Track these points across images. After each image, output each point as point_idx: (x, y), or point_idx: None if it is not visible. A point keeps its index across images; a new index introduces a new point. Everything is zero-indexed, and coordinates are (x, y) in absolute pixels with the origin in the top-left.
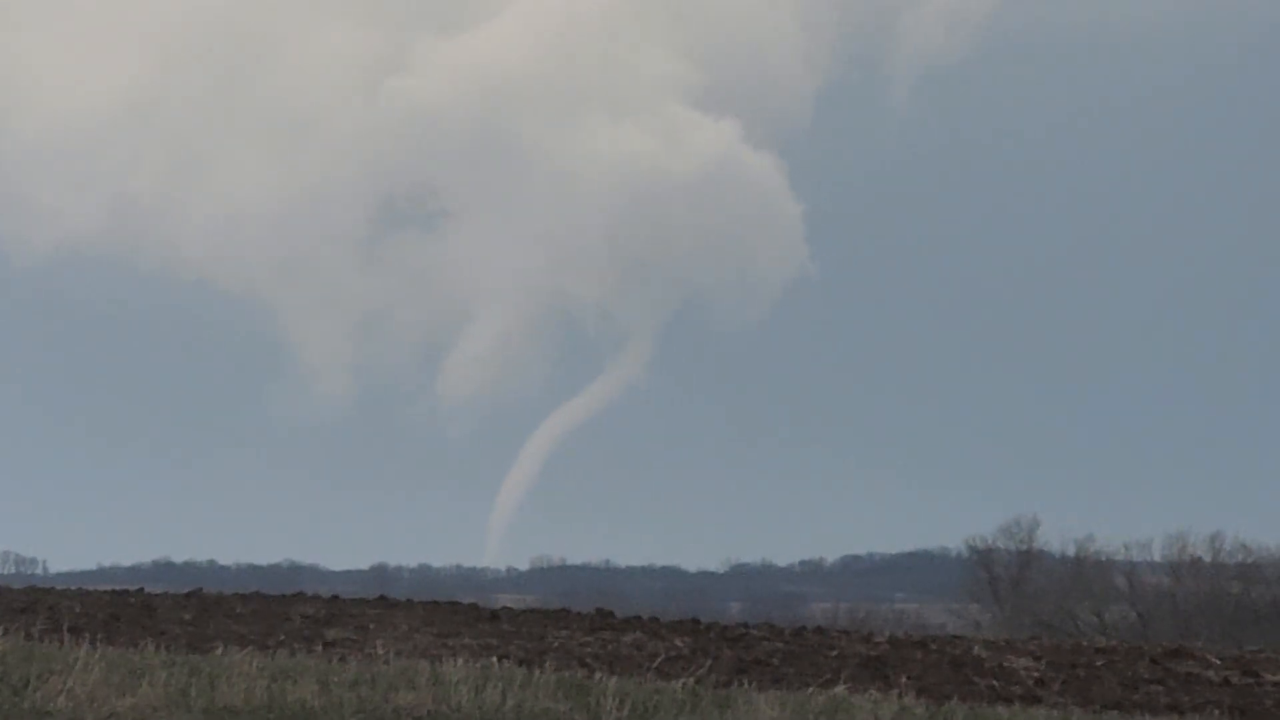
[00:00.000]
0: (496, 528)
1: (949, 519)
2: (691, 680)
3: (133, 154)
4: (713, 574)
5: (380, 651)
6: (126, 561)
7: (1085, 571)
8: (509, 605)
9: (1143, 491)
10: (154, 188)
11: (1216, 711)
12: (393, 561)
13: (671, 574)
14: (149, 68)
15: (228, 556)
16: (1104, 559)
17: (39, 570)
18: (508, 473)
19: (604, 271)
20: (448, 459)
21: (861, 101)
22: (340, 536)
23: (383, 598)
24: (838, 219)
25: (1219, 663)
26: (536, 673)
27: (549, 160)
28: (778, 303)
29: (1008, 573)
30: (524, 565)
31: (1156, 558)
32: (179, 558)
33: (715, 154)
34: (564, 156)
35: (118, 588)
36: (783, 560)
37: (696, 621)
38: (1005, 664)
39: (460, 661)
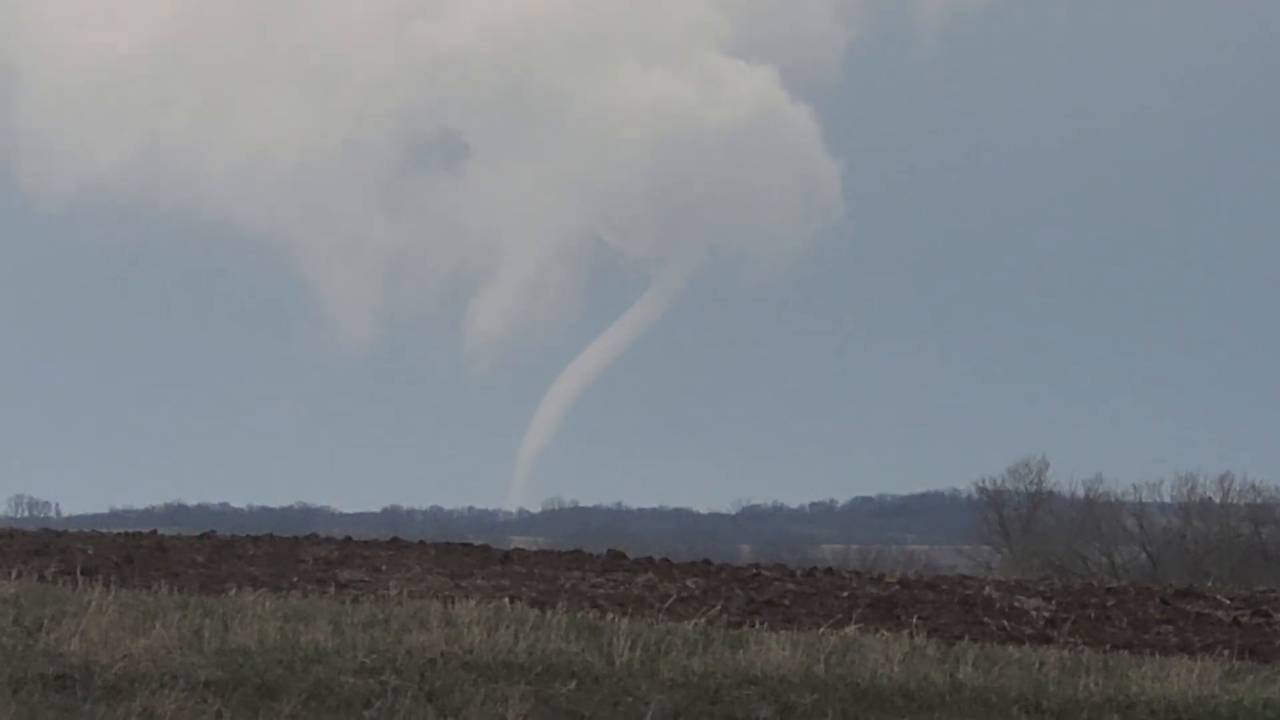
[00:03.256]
0: (521, 471)
1: (959, 461)
2: (703, 621)
3: (160, 97)
4: (724, 516)
5: (393, 593)
6: (139, 504)
7: (1095, 513)
8: (521, 547)
9: (1152, 432)
10: (181, 131)
11: (1227, 651)
12: (405, 504)
13: (683, 516)
14: (180, 10)
15: (240, 499)
16: (1113, 500)
17: (51, 513)
18: (530, 416)
19: (633, 219)
20: (467, 403)
21: (891, 52)
22: (353, 479)
23: (395, 539)
24: (873, 176)
25: (1229, 603)
26: (549, 614)
27: (579, 106)
28: (807, 258)
29: (1017, 514)
30: (536, 507)
31: (1166, 499)
32: (192, 500)
33: (752, 103)
34: (594, 102)
35: (130, 530)
36: (793, 502)
37: (708, 563)
38: (1016, 605)
39: (473, 603)
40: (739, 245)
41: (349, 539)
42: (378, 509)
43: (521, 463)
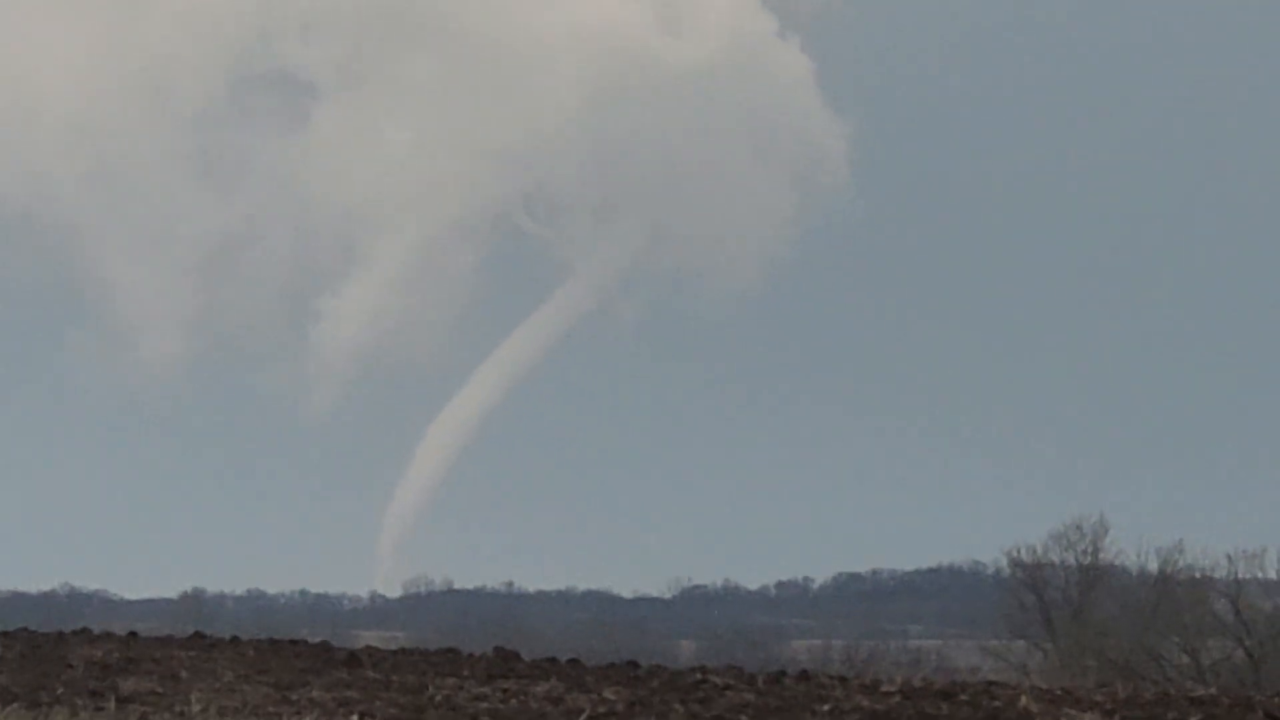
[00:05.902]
0: (384, 542)
1: (982, 525)
2: None
3: None
4: (656, 601)
5: (195, 709)
6: None
7: (1172, 593)
8: (374, 645)
9: (1249, 486)
10: None
11: None
12: (213, 587)
13: (598, 601)
14: None
15: None
16: (1198, 576)
17: None
18: (400, 465)
19: (548, 190)
20: (308, 446)
21: None
22: (142, 553)
23: (199, 635)
24: (894, 144)
25: None
26: None
27: (478, 34)
28: (795, 257)
29: (1065, 596)
30: (395, 591)
31: (1271, 574)
32: None
33: (725, 35)
34: (502, 29)
35: None
36: (752, 582)
37: (634, 665)
38: None
39: None
40: (701, 236)
41: (134, 635)
42: (174, 594)
43: (387, 531)
